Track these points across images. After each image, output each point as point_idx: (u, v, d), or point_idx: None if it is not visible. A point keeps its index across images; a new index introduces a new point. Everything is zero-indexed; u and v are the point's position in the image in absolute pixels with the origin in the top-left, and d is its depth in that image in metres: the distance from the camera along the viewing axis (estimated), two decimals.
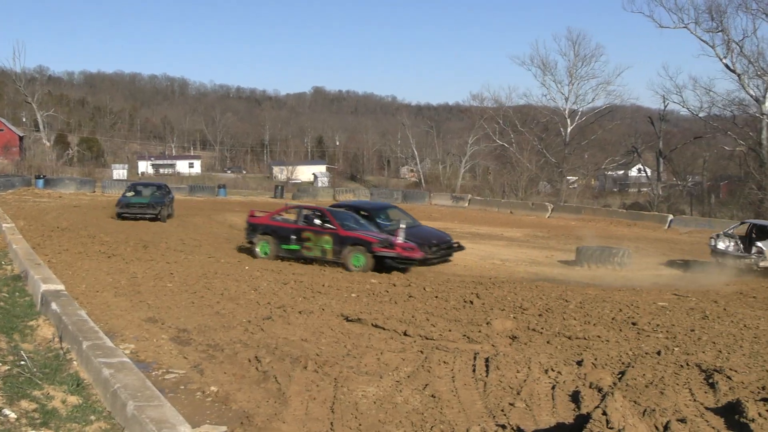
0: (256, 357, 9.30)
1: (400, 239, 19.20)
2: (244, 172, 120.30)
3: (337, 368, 8.92)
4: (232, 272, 16.96)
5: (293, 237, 20.15)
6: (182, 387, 8.18)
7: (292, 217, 21.18)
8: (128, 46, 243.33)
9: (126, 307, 12.32)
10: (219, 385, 8.21)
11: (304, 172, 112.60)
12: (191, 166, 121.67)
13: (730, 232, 23.78)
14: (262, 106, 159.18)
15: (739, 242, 23.04)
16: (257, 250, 20.67)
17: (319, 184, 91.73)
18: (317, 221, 20.16)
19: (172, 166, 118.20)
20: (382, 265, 18.98)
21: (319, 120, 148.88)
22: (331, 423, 7.20)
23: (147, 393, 6.42)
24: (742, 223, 25.82)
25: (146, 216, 29.62)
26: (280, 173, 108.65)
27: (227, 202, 49.01)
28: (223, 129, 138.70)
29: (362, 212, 22.23)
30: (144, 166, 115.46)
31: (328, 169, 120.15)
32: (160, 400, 6.30)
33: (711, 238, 23.81)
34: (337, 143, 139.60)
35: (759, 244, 22.33)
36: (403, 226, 19.86)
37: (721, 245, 23.09)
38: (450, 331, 11.45)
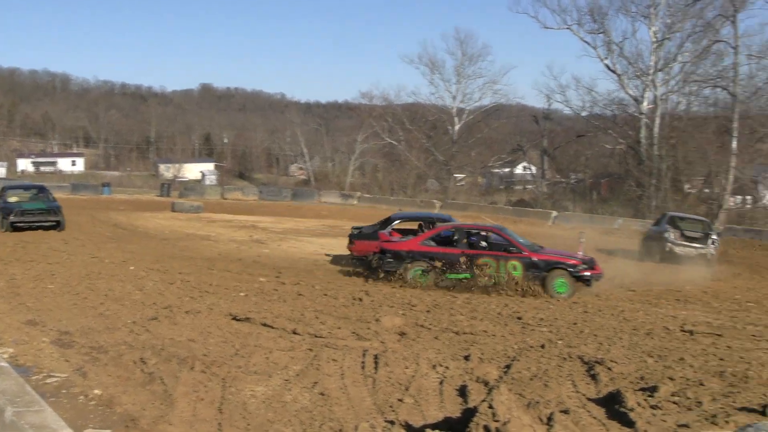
0: (141, 359, 9.13)
1: (581, 254, 17.54)
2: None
3: (225, 368, 8.83)
4: (116, 273, 16.60)
5: (463, 264, 16.74)
6: (64, 391, 7.96)
7: (449, 238, 17.72)
8: (6, 40, 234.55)
9: (4, 310, 11.94)
10: (103, 388, 8.02)
11: (192, 170, 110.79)
12: (74, 164, 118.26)
13: (667, 225, 25.55)
14: (147, 102, 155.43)
15: (681, 233, 24.91)
16: (411, 280, 16.84)
17: (207, 182, 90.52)
18: (483, 243, 17.40)
19: (54, 164, 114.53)
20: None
21: (207, 117, 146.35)
22: (219, 423, 7.13)
23: (26, 398, 6.22)
24: (664, 215, 27.58)
25: (45, 224, 25.91)
26: (166, 171, 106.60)
27: (111, 201, 47.94)
28: (107, 126, 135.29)
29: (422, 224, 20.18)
30: (24, 164, 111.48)
31: (216, 167, 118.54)
32: (40, 405, 6.12)
33: (665, 233, 25.13)
34: (225, 141, 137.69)
35: (714, 236, 24.75)
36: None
37: (673, 237, 24.73)
38: (339, 328, 11.47)
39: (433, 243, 17.47)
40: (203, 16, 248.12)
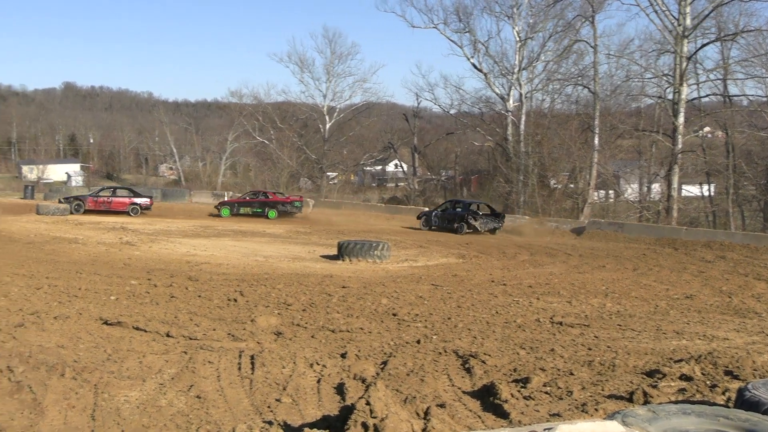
0: (8, 367, 8.79)
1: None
2: None
3: (97, 374, 8.61)
4: None
5: None
6: None
7: None
8: None
9: None
10: None
11: (57, 172, 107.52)
12: None
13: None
14: (8, 102, 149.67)
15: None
16: None
17: (73, 183, 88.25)
18: None
19: None
20: None
21: (71, 117, 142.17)
22: (92, 431, 6.95)
23: None
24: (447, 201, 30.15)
25: None
26: (29, 173, 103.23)
27: None
28: None
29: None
30: None
31: (82, 167, 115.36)
32: None
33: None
34: (91, 141, 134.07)
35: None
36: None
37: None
38: (214, 330, 11.34)
39: None
40: (65, 12, 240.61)
